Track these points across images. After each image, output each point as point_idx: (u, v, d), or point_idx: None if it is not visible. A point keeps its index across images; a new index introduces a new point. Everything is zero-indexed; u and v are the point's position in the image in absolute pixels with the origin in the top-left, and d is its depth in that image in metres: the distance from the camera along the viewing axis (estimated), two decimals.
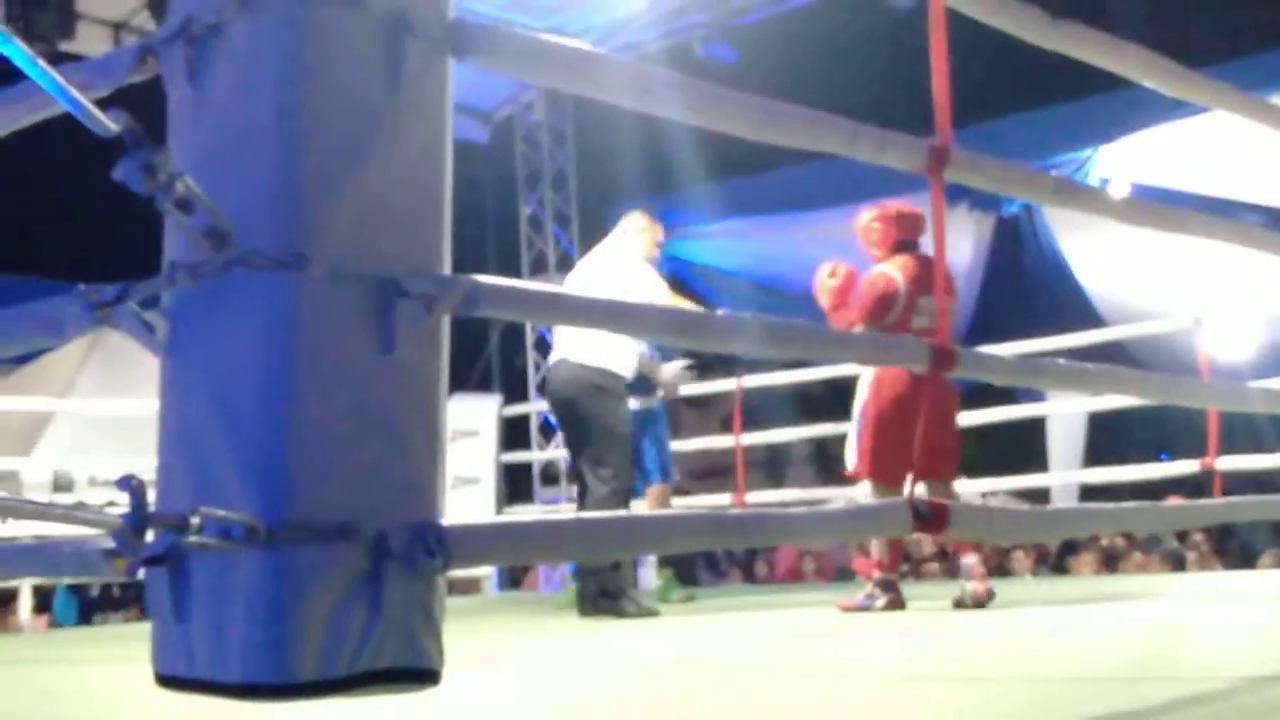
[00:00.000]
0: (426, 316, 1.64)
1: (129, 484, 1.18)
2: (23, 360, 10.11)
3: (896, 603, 5.10)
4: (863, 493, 5.71)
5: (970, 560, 4.91)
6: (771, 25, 10.58)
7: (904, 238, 5.14)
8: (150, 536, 1.43)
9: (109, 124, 1.11)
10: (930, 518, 2.26)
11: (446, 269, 1.70)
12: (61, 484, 9.84)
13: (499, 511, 9.39)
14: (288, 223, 1.55)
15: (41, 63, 0.96)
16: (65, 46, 8.81)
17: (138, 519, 1.23)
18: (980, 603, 4.82)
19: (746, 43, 10.60)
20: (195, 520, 1.33)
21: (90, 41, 9.28)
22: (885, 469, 4.90)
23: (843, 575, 11.12)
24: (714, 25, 10.49)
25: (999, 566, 10.43)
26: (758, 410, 10.80)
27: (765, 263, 11.51)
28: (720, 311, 2.04)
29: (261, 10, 1.60)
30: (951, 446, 4.93)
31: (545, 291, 1.95)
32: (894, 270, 4.96)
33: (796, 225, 10.89)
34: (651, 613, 5.41)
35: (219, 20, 1.64)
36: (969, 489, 11.56)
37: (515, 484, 11.48)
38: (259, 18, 1.60)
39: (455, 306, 1.70)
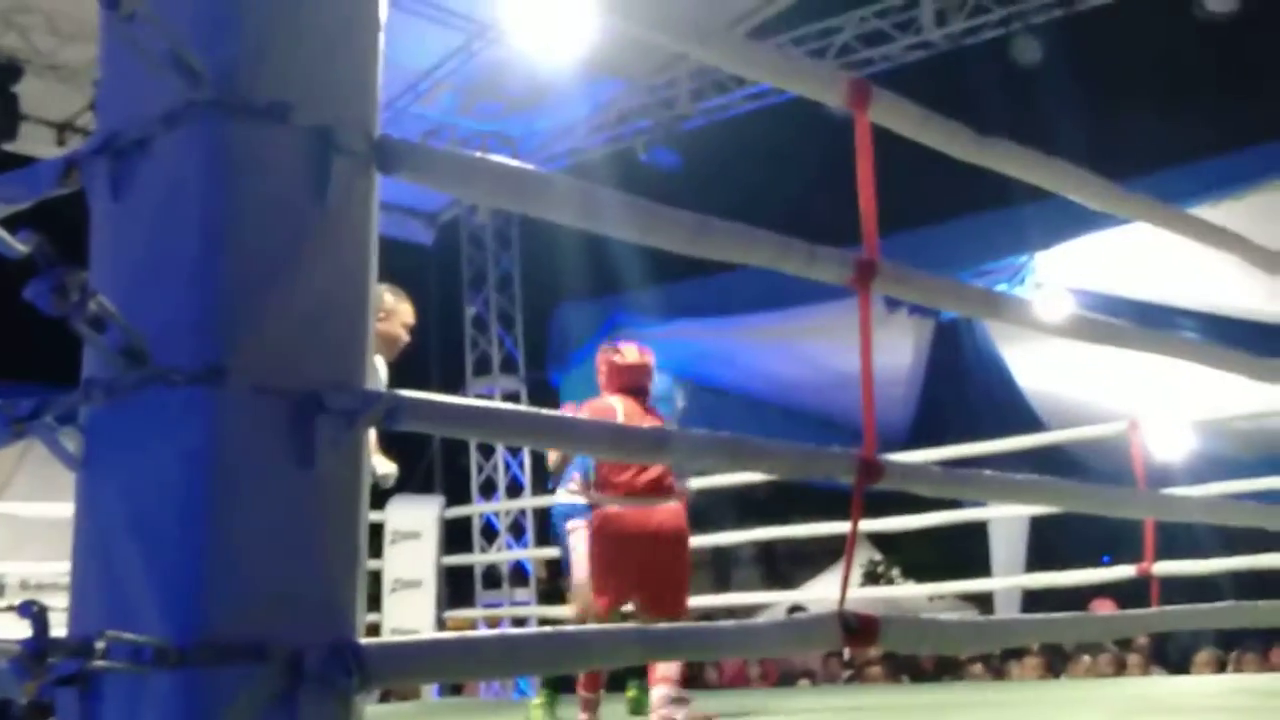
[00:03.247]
0: (347, 431, 1.64)
1: (29, 611, 1.17)
2: None
3: None
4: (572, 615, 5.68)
5: (660, 692, 4.82)
6: (714, 131, 10.76)
7: (626, 383, 5.23)
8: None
9: (17, 245, 1.11)
10: (859, 630, 2.26)
11: (369, 383, 1.70)
12: None
13: (440, 615, 9.26)
14: (207, 337, 1.54)
15: None
16: (9, 147, 8.81)
17: (38, 645, 1.21)
18: None
19: (689, 147, 10.76)
20: (101, 645, 1.31)
21: (34, 142, 9.29)
22: (602, 598, 4.99)
23: (785, 679, 11.05)
24: (657, 130, 10.64)
25: (946, 665, 10.40)
26: (703, 510, 10.78)
27: (709, 364, 11.56)
28: (649, 426, 2.04)
29: (186, 127, 1.61)
30: (676, 583, 5.04)
31: (469, 406, 1.95)
32: (617, 405, 5.04)
33: (739, 327, 10.98)
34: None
35: (144, 135, 1.64)
36: (916, 592, 11.58)
37: (457, 586, 11.36)
38: (184, 134, 1.61)
39: (377, 421, 1.70)
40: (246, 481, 1.54)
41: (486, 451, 11.72)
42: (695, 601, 8.56)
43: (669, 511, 5.02)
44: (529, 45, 9.13)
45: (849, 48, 10.06)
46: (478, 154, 1.96)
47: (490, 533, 11.52)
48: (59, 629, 1.43)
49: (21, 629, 1.32)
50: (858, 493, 2.36)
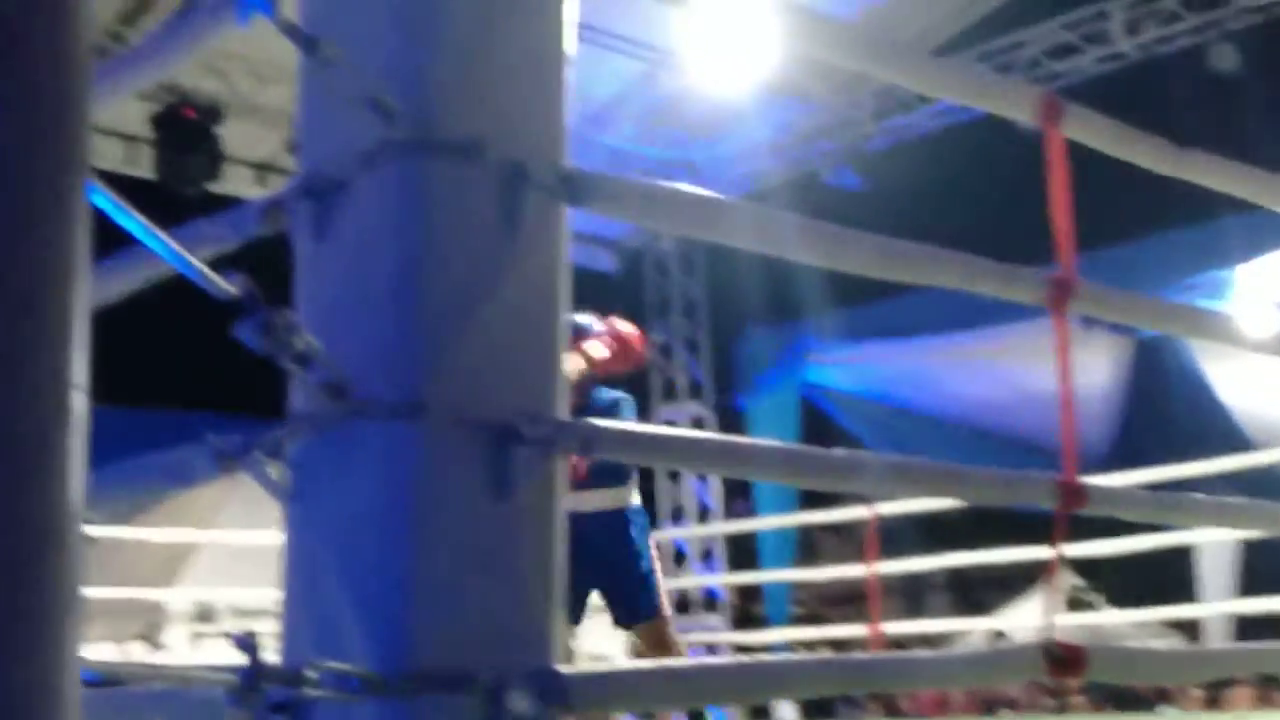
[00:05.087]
0: (543, 461, 1.65)
1: (244, 641, 1.21)
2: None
3: None
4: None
5: None
6: (898, 152, 10.63)
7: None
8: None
9: (227, 287, 1.15)
10: (1065, 660, 2.19)
11: (562, 413, 1.71)
12: (204, 614, 10.01)
13: (633, 641, 9.30)
14: (406, 372, 1.58)
15: (160, 233, 1.00)
16: (213, 188, 9.19)
17: (252, 676, 1.25)
18: None
19: (873, 168, 10.64)
20: (311, 674, 1.35)
21: (236, 182, 9.68)
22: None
23: (990, 707, 10.79)
24: (840, 152, 10.56)
25: (1158, 692, 10.03)
26: (895, 536, 10.63)
27: (899, 387, 11.41)
28: (839, 451, 2.01)
29: (384, 166, 1.65)
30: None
31: (660, 434, 1.95)
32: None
33: (929, 348, 10.81)
34: None
35: (343, 176, 1.69)
36: (1119, 620, 11.22)
37: None
38: (381, 173, 1.65)
39: (572, 450, 1.71)
40: (446, 512, 1.57)
41: (675, 476, 11.76)
42: (888, 628, 8.47)
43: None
44: (710, 71, 9.17)
45: (1036, 62, 9.84)
46: (664, 183, 1.96)
47: (680, 558, 11.53)
48: (267, 653, 1.48)
49: (230, 653, 1.36)
50: (1060, 520, 2.29)
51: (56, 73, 0.78)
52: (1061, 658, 2.18)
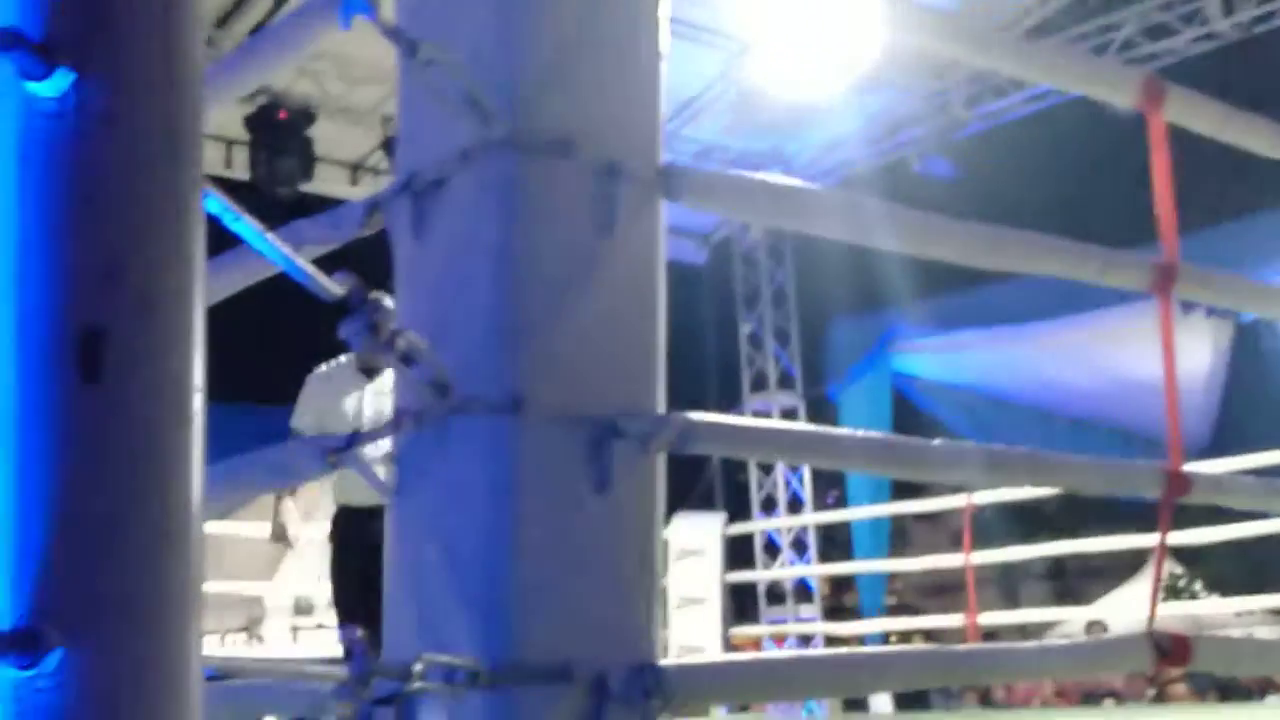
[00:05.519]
0: (642, 456, 1.66)
1: (352, 636, 1.23)
2: None
3: None
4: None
5: None
6: (990, 138, 10.49)
7: None
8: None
9: (334, 288, 1.17)
10: (1171, 651, 2.16)
11: (660, 406, 1.71)
12: (303, 608, 10.15)
13: (725, 632, 9.30)
14: (506, 368, 1.59)
15: (269, 235, 1.02)
16: (306, 188, 9.32)
17: (361, 671, 1.27)
18: None
19: (964, 156, 10.52)
20: (419, 668, 1.37)
21: (329, 182, 9.80)
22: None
23: (1088, 698, 10.65)
24: (930, 140, 10.45)
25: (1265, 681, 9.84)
26: (989, 525, 10.52)
27: (991, 376, 11.28)
28: (938, 442, 2.00)
29: (481, 165, 1.66)
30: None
31: (759, 427, 1.95)
32: None
33: (1023, 337, 10.66)
34: None
35: (441, 175, 1.70)
36: (1221, 608, 11.01)
37: (741, 603, 11.39)
38: (479, 172, 1.66)
39: (670, 445, 1.72)
40: (547, 507, 1.58)
41: (766, 467, 11.72)
42: (984, 619, 8.38)
43: None
44: (797, 60, 9.11)
45: (1131, 43, 9.66)
46: (757, 176, 1.96)
47: (772, 549, 11.50)
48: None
49: (327, 646, 1.38)
50: (1165, 508, 2.26)
51: (172, 80, 0.79)
52: (1168, 649, 2.15)
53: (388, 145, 9.18)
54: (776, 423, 2.14)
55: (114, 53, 0.77)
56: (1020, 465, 2.20)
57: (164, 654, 0.73)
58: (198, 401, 0.80)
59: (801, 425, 2.27)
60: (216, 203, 0.92)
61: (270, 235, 1.02)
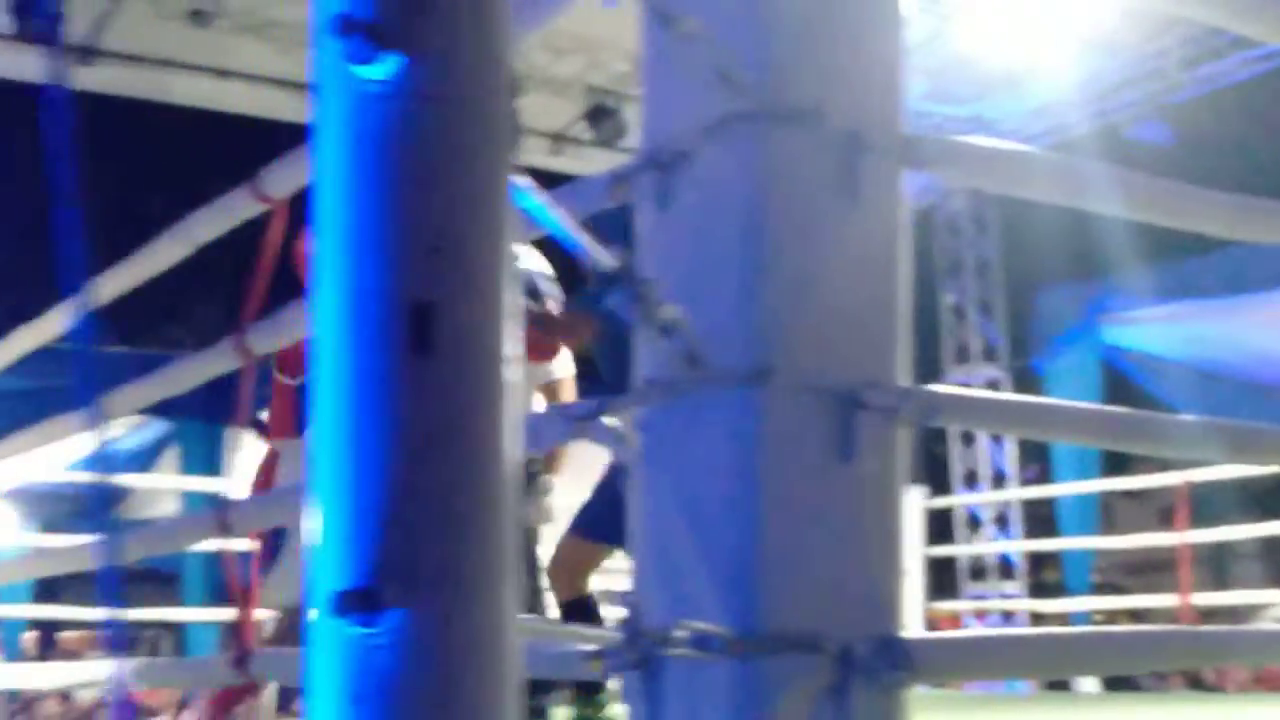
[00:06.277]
0: (887, 428, 1.66)
1: (627, 599, 1.26)
2: None
3: None
4: None
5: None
6: (1208, 102, 10.10)
7: None
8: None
9: (609, 260, 1.20)
10: None
11: (904, 378, 1.71)
12: None
13: (926, 607, 9.21)
14: (755, 339, 1.60)
15: (551, 206, 1.05)
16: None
17: (632, 633, 1.30)
18: None
19: (1180, 120, 10.15)
20: (679, 634, 1.40)
21: (531, 153, 9.96)
22: None
23: None
24: (1146, 104, 10.11)
25: None
26: (1200, 503, 10.19)
27: (1209, 349, 10.86)
28: (1188, 418, 1.95)
29: (727, 137, 1.67)
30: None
31: (999, 400, 1.92)
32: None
33: (1243, 308, 10.25)
34: None
35: (687, 147, 1.72)
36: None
37: (941, 578, 11.26)
38: (724, 144, 1.67)
39: (914, 417, 1.71)
40: (793, 476, 1.59)
41: (968, 440, 11.54)
42: (1197, 599, 8.12)
43: None
44: (1004, 24, 8.92)
45: None
46: (1004, 144, 1.93)
47: (974, 523, 11.33)
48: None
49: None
50: None
51: (489, 60, 0.82)
52: None
53: (592, 115, 9.28)
54: (1019, 397, 2.12)
55: (437, 35, 0.80)
56: (1247, 441, 2.12)
57: (489, 618, 0.77)
58: (510, 373, 0.83)
59: (1046, 400, 2.24)
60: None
61: (555, 209, 1.05)
